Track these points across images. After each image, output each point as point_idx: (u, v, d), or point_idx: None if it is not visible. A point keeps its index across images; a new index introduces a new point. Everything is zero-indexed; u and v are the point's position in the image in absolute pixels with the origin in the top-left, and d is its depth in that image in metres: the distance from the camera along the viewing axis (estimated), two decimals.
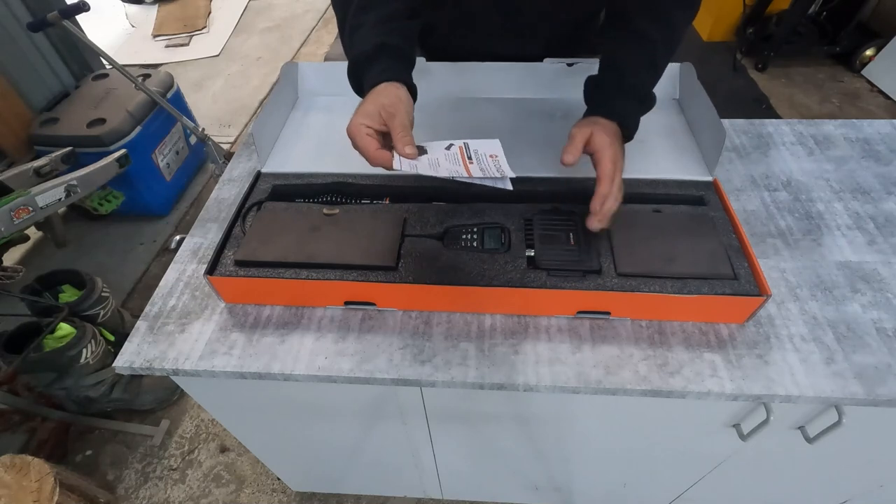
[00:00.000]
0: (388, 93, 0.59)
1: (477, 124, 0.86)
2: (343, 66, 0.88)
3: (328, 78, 0.94)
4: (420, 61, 0.84)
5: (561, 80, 0.89)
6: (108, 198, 1.76)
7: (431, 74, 0.89)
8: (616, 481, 1.04)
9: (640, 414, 0.75)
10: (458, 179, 0.57)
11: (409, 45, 0.66)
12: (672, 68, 0.89)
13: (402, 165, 0.55)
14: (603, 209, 0.62)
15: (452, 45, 0.90)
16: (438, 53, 0.92)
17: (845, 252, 0.73)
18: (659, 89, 0.89)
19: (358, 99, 0.62)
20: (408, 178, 0.76)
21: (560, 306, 0.65)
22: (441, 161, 0.58)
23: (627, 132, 0.67)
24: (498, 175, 0.57)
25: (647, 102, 0.70)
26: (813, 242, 0.74)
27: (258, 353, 0.64)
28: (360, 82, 0.63)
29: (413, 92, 0.62)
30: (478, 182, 0.57)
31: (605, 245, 0.67)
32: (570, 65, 0.85)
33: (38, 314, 1.32)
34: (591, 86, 0.71)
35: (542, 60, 0.89)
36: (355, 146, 0.58)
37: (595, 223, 0.62)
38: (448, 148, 0.60)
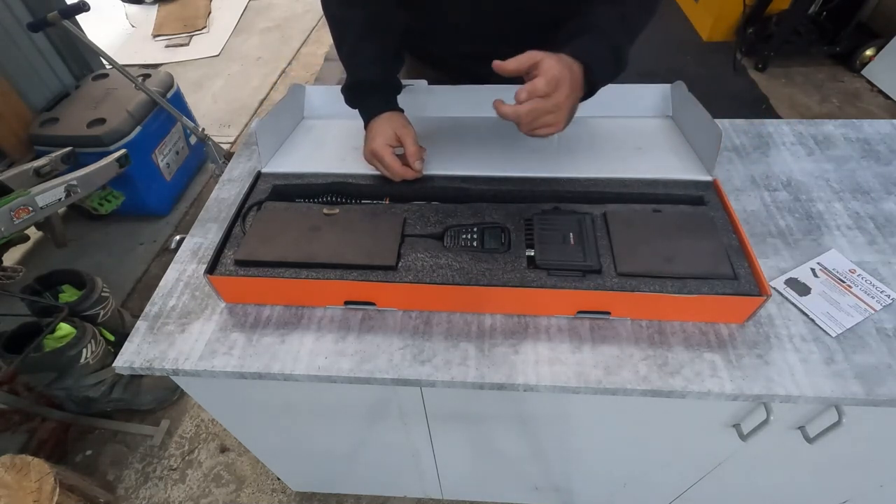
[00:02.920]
0: (397, 119, 0.74)
1: (477, 138, 0.87)
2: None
3: (335, 101, 0.92)
4: (422, 84, 0.90)
5: None
6: (108, 198, 1.76)
7: (433, 95, 0.90)
8: (616, 481, 1.04)
9: (640, 414, 0.75)
10: None
11: (398, 76, 0.80)
12: (664, 88, 0.88)
13: None
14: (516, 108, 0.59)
15: (433, 47, 0.92)
16: (422, 56, 0.95)
17: (845, 252, 0.73)
18: (652, 107, 0.89)
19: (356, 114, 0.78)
20: (407, 178, 0.76)
21: (560, 306, 0.65)
22: None
23: (592, 79, 0.62)
24: None
25: (620, 56, 0.65)
26: (813, 242, 0.74)
27: (258, 353, 0.64)
28: (360, 101, 0.77)
29: None
30: None
31: (605, 245, 0.67)
32: None
33: (38, 314, 1.32)
34: (563, 36, 0.67)
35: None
36: (381, 162, 0.73)
37: (501, 105, 0.60)
38: None
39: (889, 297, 0.66)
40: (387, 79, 0.77)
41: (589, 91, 0.64)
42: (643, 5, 0.70)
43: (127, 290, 1.81)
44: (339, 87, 0.80)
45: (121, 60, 1.70)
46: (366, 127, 0.76)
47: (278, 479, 1.35)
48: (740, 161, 0.88)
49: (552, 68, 0.58)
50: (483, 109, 0.90)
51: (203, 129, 1.82)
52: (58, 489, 1.08)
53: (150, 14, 3.51)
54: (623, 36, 0.66)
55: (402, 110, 0.77)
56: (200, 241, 0.79)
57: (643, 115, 0.90)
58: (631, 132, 0.72)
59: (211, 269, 0.66)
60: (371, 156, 0.74)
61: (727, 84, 2.63)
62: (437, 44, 0.90)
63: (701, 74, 2.70)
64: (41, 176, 1.52)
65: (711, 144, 0.75)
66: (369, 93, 0.76)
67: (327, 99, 0.93)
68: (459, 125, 0.89)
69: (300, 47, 3.17)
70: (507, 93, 0.89)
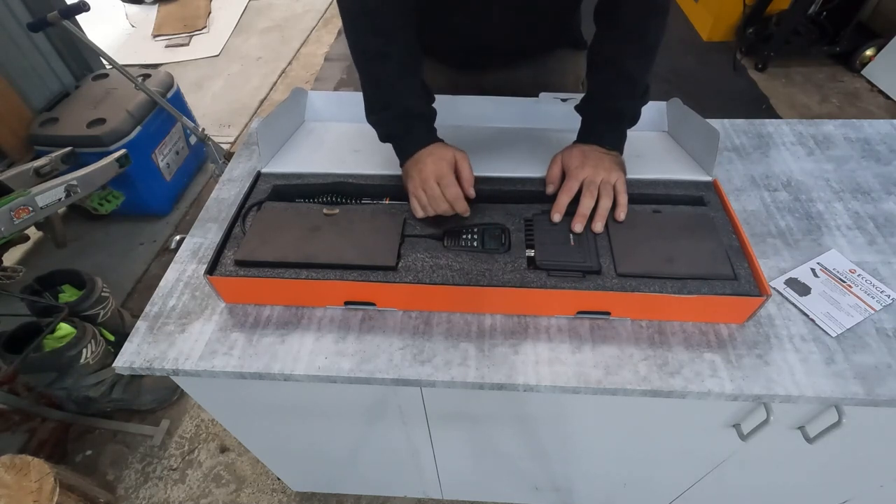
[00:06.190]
0: (448, 147, 0.72)
1: (477, 142, 0.86)
2: (350, 95, 0.90)
3: (337, 106, 0.93)
4: None
5: (554, 112, 0.88)
6: (108, 198, 1.75)
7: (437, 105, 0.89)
8: (616, 481, 1.04)
9: (639, 414, 0.75)
10: None
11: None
12: (659, 106, 0.88)
13: None
14: (557, 203, 0.71)
15: (438, 43, 0.91)
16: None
17: (845, 252, 0.73)
18: (649, 122, 0.88)
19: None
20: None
21: (560, 306, 0.65)
22: None
23: (609, 146, 0.73)
24: None
25: (630, 105, 0.74)
26: (813, 242, 0.74)
27: (258, 353, 0.64)
28: (406, 132, 0.73)
29: None
30: None
31: (605, 245, 0.67)
32: (563, 100, 0.86)
33: (38, 314, 1.32)
34: (581, 113, 0.78)
35: (517, 59, 0.92)
36: (445, 184, 0.68)
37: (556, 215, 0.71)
38: None
39: (889, 297, 0.66)
40: (432, 110, 0.76)
41: (620, 136, 0.75)
42: (655, 28, 0.70)
43: (127, 290, 1.81)
44: (345, 92, 0.78)
45: (121, 60, 1.69)
46: (408, 158, 0.72)
47: (278, 479, 1.35)
48: (740, 161, 0.88)
49: (570, 163, 0.72)
50: (483, 119, 0.91)
51: (203, 129, 1.82)
52: (58, 489, 1.08)
53: (150, 14, 3.51)
54: (627, 88, 0.73)
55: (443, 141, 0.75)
56: (200, 241, 0.79)
57: (639, 129, 0.89)
58: (629, 142, 0.74)
59: (211, 269, 0.66)
60: (432, 179, 0.68)
61: (727, 84, 2.63)
62: (442, 40, 0.89)
63: (701, 74, 2.70)
64: (41, 176, 1.52)
65: (710, 146, 0.75)
66: (418, 123, 0.74)
67: (329, 104, 0.93)
68: (460, 132, 0.89)
69: (300, 47, 3.17)
70: (508, 104, 0.90)
